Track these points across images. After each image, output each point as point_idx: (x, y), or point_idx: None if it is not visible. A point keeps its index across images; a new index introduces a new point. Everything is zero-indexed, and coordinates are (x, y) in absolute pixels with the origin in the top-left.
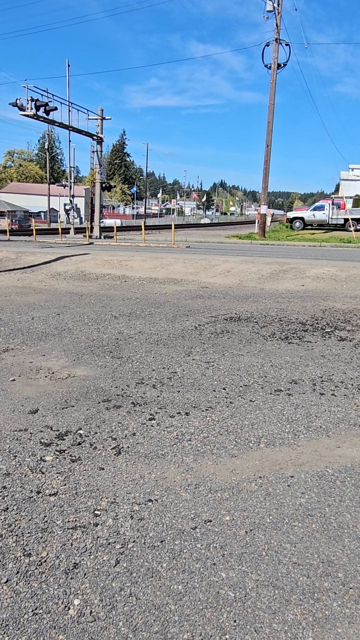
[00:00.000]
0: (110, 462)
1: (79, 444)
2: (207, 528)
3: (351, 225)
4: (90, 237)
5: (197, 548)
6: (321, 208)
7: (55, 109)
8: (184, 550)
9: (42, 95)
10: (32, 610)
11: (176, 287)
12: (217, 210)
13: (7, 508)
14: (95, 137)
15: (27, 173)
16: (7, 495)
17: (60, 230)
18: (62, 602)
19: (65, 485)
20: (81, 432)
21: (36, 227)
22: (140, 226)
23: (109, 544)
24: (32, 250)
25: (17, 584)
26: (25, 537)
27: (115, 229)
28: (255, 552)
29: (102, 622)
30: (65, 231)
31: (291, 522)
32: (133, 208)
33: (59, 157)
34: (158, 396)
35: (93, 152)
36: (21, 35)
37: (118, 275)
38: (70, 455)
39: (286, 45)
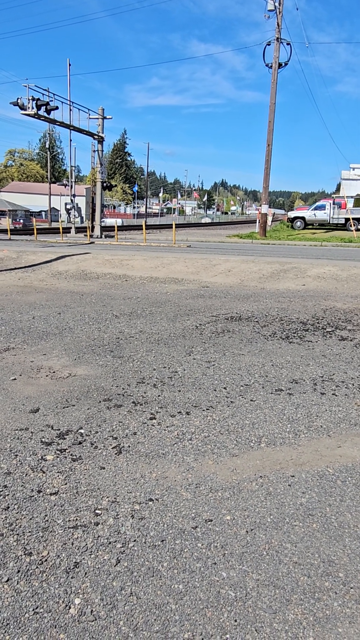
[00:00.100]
0: (111, 461)
1: (80, 443)
2: (208, 527)
3: (352, 225)
4: (91, 236)
5: (197, 547)
6: (322, 207)
7: (56, 108)
8: (185, 550)
9: (43, 94)
10: (33, 609)
11: (177, 286)
12: (218, 210)
13: (8, 507)
14: (96, 137)
15: (28, 172)
16: (8, 495)
17: (61, 230)
18: (62, 601)
19: (66, 484)
20: (82, 431)
21: (37, 227)
22: (141, 225)
23: (110, 543)
24: (33, 250)
25: (18, 583)
26: (26, 536)
27: (116, 228)
28: (256, 551)
29: (102, 622)
30: (66, 230)
31: (292, 522)
32: (134, 207)
33: (60, 157)
34: (159, 395)
35: (94, 151)
36: (22, 35)
37: (119, 275)
38: (71, 455)
39: (287, 44)
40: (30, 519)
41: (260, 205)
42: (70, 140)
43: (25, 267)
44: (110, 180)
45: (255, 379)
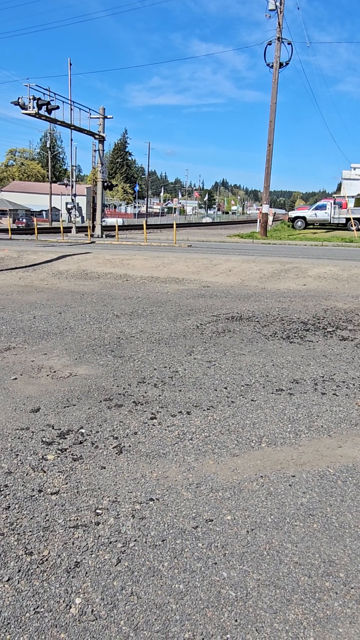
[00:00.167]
0: (112, 461)
1: (81, 442)
2: (209, 527)
3: (353, 225)
4: (91, 236)
5: (198, 547)
6: (323, 207)
7: (57, 107)
8: (185, 550)
9: (44, 94)
10: (34, 609)
11: (178, 286)
12: (218, 210)
13: (9, 506)
14: (97, 136)
15: (28, 172)
16: (8, 494)
17: (62, 229)
18: (63, 601)
19: (66, 484)
20: (83, 431)
21: (38, 226)
22: (142, 225)
23: (111, 542)
24: (33, 249)
25: (18, 583)
26: (26, 536)
27: (117, 227)
28: (256, 551)
29: (103, 621)
30: (67, 230)
31: (292, 522)
32: (135, 207)
33: (61, 156)
34: (159, 395)
35: (95, 150)
36: (23, 34)
37: (120, 274)
38: (71, 454)
39: (288, 44)
40: (31, 518)
41: (261, 205)
42: (71, 139)
43: (26, 266)
44: (111, 179)
45: (256, 378)
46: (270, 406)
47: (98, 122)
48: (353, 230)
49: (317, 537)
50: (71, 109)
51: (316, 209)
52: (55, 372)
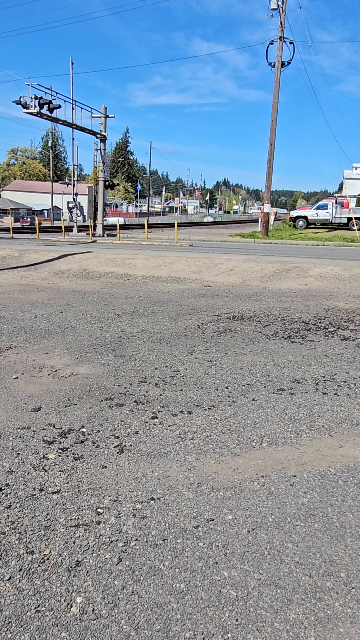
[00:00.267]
0: (113, 460)
1: (82, 442)
2: (210, 527)
3: (354, 224)
4: (93, 235)
5: (199, 547)
6: (324, 207)
7: (59, 106)
8: (186, 549)
9: (45, 93)
10: (35, 608)
11: (179, 285)
12: (220, 209)
13: (10, 505)
14: (98, 135)
15: (30, 171)
16: (10, 493)
17: (63, 228)
18: (64, 600)
19: (67, 483)
20: (84, 430)
21: (40, 225)
22: (143, 224)
23: (112, 542)
24: (35, 248)
25: (19, 582)
26: (28, 535)
27: (118, 227)
28: (257, 551)
29: (104, 620)
30: (69, 229)
31: (293, 522)
32: (136, 206)
33: (62, 155)
34: (161, 395)
35: (96, 150)
36: (24, 33)
37: (121, 274)
38: (73, 453)
39: (290, 43)
40: (32, 517)
41: (263, 205)
42: (73, 138)
43: (27, 265)
44: (113, 179)
45: (257, 378)
46: (271, 406)
47: (100, 121)
48: (355, 230)
49: (318, 537)
50: (73, 108)
51: (318, 208)
52: (56, 371)
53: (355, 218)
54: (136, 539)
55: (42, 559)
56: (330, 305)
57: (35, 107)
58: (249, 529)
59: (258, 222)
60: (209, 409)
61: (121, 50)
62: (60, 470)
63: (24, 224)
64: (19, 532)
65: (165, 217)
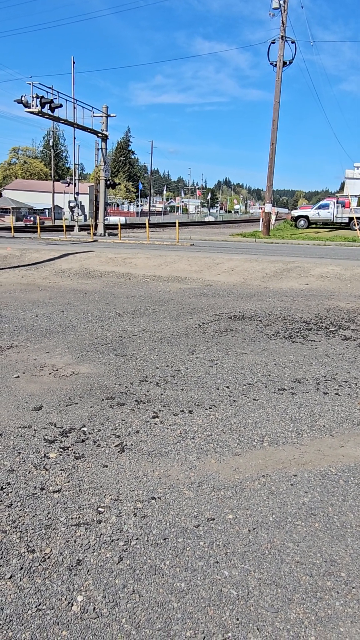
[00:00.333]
0: (114, 459)
1: (83, 441)
2: (210, 526)
3: (356, 224)
4: (94, 234)
5: (200, 546)
6: (326, 206)
7: (60, 106)
8: (187, 548)
9: (47, 92)
10: (36, 606)
11: (180, 285)
12: (221, 208)
13: (11, 504)
14: (100, 135)
15: (31, 170)
16: (11, 492)
17: (64, 228)
18: (65, 599)
19: (68, 482)
20: (85, 429)
21: (41, 225)
22: (145, 224)
23: (112, 541)
24: (36, 247)
25: (20, 580)
26: (29, 534)
27: (119, 226)
28: (258, 550)
29: (105, 619)
30: (70, 228)
31: (294, 521)
32: (137, 206)
33: (64, 154)
34: (162, 394)
35: (98, 149)
36: (26, 32)
37: (122, 273)
38: (74, 453)
39: (292, 42)
40: (33, 516)
41: (264, 204)
42: (74, 138)
43: (28, 264)
44: (114, 178)
45: (258, 378)
46: (272, 405)
47: (101, 120)
48: (356, 230)
49: (319, 536)
50: (74, 107)
51: (319, 208)
52: (57, 370)
53: (357, 218)
54: (137, 538)
55: (43, 557)
56: (332, 305)
57: (36, 106)
58: (249, 528)
59: (259, 221)
60: (209, 408)
61: (123, 50)
62: (61, 469)
63: (28, 223)
64: (20, 531)
65: (166, 217)
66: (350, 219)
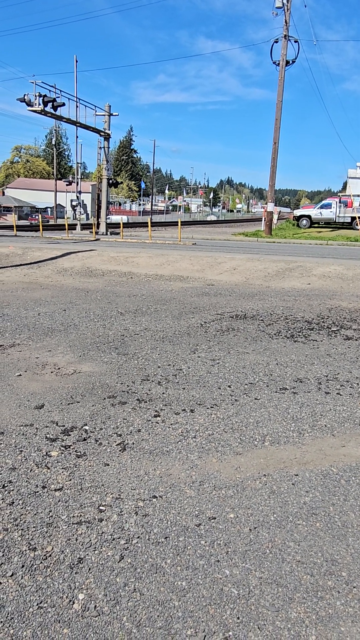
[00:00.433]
0: (115, 458)
1: (84, 439)
2: (211, 525)
3: (358, 224)
4: (96, 233)
5: (201, 545)
6: (328, 206)
7: (63, 104)
8: (188, 547)
9: (49, 91)
10: (37, 604)
11: (182, 284)
12: (223, 208)
13: (13, 502)
14: (102, 133)
15: (34, 169)
16: (12, 490)
17: (66, 226)
18: (66, 597)
19: (70, 480)
20: (86, 427)
21: (43, 223)
22: (147, 223)
23: (114, 539)
24: (38, 246)
25: (22, 578)
26: (30, 532)
27: (121, 225)
28: (259, 549)
29: (106, 617)
30: (72, 227)
31: (295, 521)
32: (139, 205)
33: (66, 153)
34: (163, 393)
35: (100, 148)
36: (29, 31)
37: (124, 272)
38: (75, 451)
39: (295, 42)
40: (35, 514)
41: (266, 204)
42: (77, 137)
43: (30, 263)
44: (116, 177)
45: (260, 377)
46: (273, 405)
47: (103, 119)
48: (358, 229)
49: (320, 536)
50: (77, 106)
51: (321, 207)
52: (59, 369)
53: (359, 217)
54: (138, 537)
55: (44, 555)
56: (334, 305)
57: (39, 104)
58: (250, 527)
59: (261, 221)
60: (211, 407)
61: (125, 49)
62: (62, 468)
63: (33, 222)
64: (22, 529)
65: (168, 216)
66: (353, 218)
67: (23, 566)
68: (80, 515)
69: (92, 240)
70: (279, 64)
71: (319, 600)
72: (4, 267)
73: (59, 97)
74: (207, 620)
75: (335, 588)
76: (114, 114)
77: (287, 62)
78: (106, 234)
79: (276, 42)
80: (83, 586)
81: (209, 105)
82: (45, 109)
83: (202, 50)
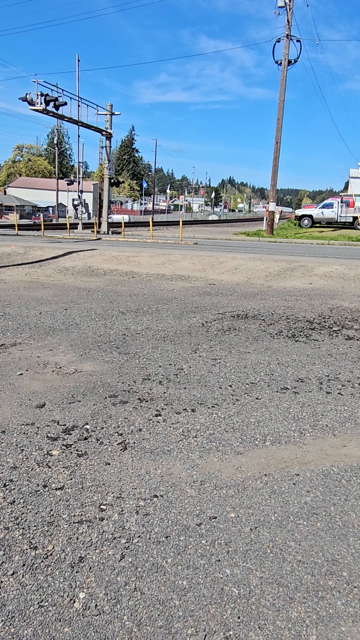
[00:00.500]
0: (116, 457)
1: (86, 438)
2: (212, 524)
3: None
4: (98, 232)
5: (201, 544)
6: (330, 206)
7: (65, 104)
8: (189, 546)
9: (51, 90)
10: (38, 603)
11: (183, 283)
12: (225, 207)
13: (14, 501)
14: (104, 133)
15: (35, 168)
16: (14, 489)
17: (68, 226)
18: (67, 595)
19: (71, 479)
20: (88, 427)
21: (45, 222)
22: (148, 222)
23: (115, 538)
24: (40, 245)
25: (23, 577)
26: (31, 530)
27: (123, 224)
28: (259, 549)
29: (107, 616)
30: (74, 226)
31: (296, 520)
32: (141, 204)
33: (68, 152)
34: (164, 392)
35: (102, 147)
36: (31, 30)
37: (125, 271)
38: (76, 450)
39: (297, 41)
40: (36, 513)
41: (268, 203)
42: (79, 136)
43: (32, 262)
44: (118, 176)
45: (261, 377)
46: (275, 404)
47: (105, 118)
48: None
49: (321, 535)
50: (79, 105)
51: (323, 207)
52: (60, 368)
53: None
54: (139, 536)
55: (45, 554)
56: (335, 305)
57: (41, 104)
58: (251, 527)
59: (263, 220)
60: (212, 407)
61: (127, 48)
62: (64, 467)
63: (36, 221)
64: (23, 528)
65: (170, 215)
66: (355, 218)
67: (24, 565)
68: (81, 515)
69: (94, 239)
70: (281, 63)
71: (320, 600)
72: (6, 266)
73: (60, 96)
74: (208, 620)
75: (336, 588)
76: (115, 113)
77: (289, 62)
78: (108, 233)
79: (278, 41)
80: (84, 585)
81: (210, 105)
82: (47, 108)
83: (204, 49)
